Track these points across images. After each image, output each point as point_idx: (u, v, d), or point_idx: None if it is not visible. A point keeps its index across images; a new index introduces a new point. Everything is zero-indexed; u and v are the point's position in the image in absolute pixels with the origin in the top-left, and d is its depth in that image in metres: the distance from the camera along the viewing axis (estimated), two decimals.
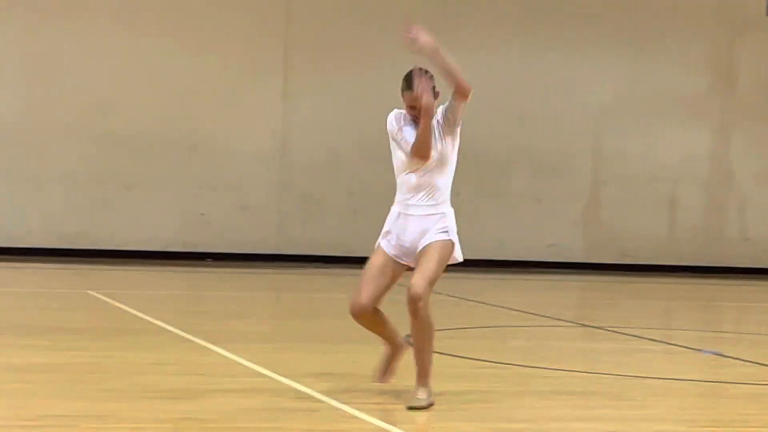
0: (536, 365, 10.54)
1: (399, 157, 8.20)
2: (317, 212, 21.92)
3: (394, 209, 8.27)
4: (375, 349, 10.05)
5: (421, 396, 7.94)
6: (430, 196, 8.24)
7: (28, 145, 21.35)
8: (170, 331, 12.06)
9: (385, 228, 8.32)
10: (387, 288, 8.35)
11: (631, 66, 22.80)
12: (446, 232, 8.20)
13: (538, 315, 15.45)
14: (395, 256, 8.25)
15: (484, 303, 16.76)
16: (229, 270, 20.17)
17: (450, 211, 8.18)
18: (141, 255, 21.39)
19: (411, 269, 8.44)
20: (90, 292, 15.63)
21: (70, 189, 21.40)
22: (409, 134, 8.12)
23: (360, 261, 18.48)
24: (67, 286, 16.90)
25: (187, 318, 13.37)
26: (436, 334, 9.05)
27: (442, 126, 8.15)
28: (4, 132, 21.29)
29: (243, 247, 21.65)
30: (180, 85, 21.50)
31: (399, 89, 8.74)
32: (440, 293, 16.49)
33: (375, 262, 8.27)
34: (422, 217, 8.21)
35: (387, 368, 8.38)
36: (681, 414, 8.71)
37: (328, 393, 8.44)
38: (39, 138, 21.27)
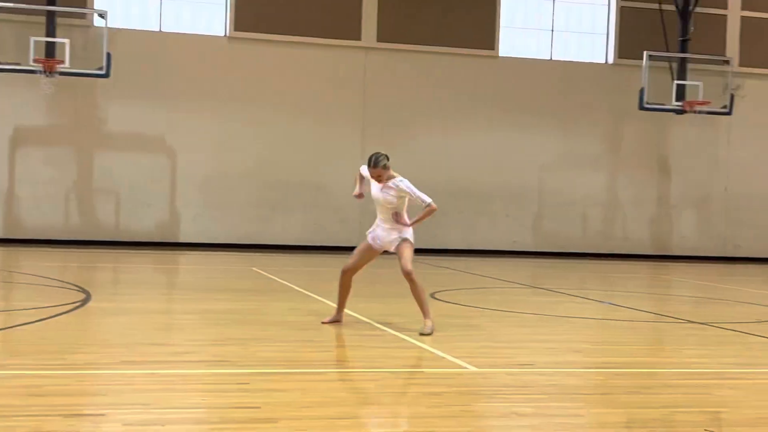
0: (506, 309, 10.61)
1: (372, 193, 8.48)
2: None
3: (376, 221, 8.65)
4: (410, 303, 10.07)
5: (428, 326, 8.34)
6: (391, 220, 8.59)
7: (218, 187, 21.90)
8: (298, 290, 12.02)
9: (370, 230, 8.69)
10: (365, 263, 8.68)
11: (559, 138, 23.55)
12: (407, 236, 8.56)
13: (500, 279, 15.37)
14: (374, 245, 8.64)
15: (477, 274, 16.46)
16: (333, 256, 19.60)
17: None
18: (279, 248, 21.51)
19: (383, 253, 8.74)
20: (253, 268, 15.79)
21: (243, 212, 21.92)
22: (374, 188, 8.45)
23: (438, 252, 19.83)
24: (240, 265, 16.61)
25: (310, 284, 13.13)
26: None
27: (397, 195, 8.33)
28: (203, 179, 21.93)
29: (339, 242, 21.70)
30: (307, 149, 22.06)
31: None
32: (451, 269, 16.39)
33: (362, 247, 8.71)
34: (387, 229, 8.63)
35: (332, 321, 8.73)
36: (590, 335, 8.96)
37: (389, 326, 8.75)
38: (224, 182, 21.95)
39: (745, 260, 23.95)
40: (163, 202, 21.27)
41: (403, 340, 7.99)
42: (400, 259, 8.45)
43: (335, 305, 9.04)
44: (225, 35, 21.70)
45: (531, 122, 23.11)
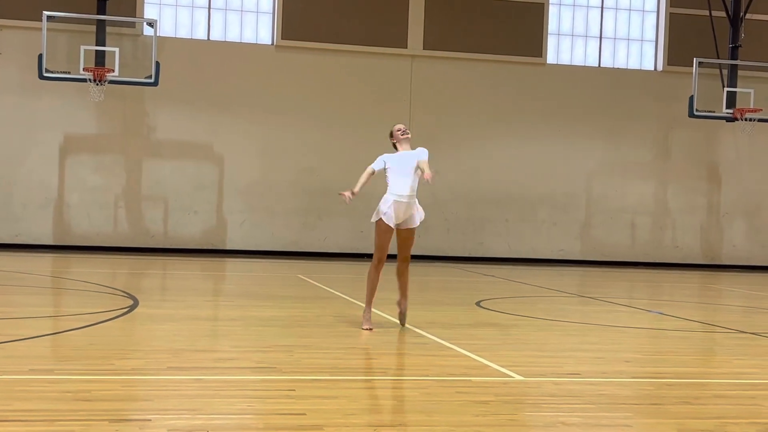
0: (553, 318, 10.60)
1: (395, 173, 8.72)
2: (424, 230, 22.07)
3: (391, 200, 8.69)
4: (460, 309, 10.96)
5: (404, 305, 8.81)
6: (414, 190, 8.84)
7: (264, 194, 22.15)
8: (343, 297, 12.17)
9: (385, 212, 8.69)
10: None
11: (607, 146, 23.56)
12: (422, 217, 8.83)
13: (551, 289, 15.42)
14: (393, 226, 8.79)
15: (522, 282, 16.50)
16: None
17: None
18: (324, 255, 21.81)
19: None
20: (299, 276, 15.93)
21: (288, 219, 22.17)
22: (405, 159, 8.76)
23: (450, 259, 20.78)
24: (284, 272, 16.74)
25: (354, 291, 13.17)
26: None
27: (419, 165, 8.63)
28: (249, 186, 22.15)
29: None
30: (352, 157, 21.83)
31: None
32: (497, 277, 16.38)
33: (384, 235, 8.75)
34: (409, 204, 8.83)
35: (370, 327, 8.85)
36: (640, 346, 8.87)
37: (433, 333, 8.79)
38: (270, 190, 22.19)
39: None
40: (210, 209, 21.48)
41: (449, 348, 8.00)
42: (405, 244, 8.71)
43: (379, 312, 9.12)
44: (272, 44, 21.89)
45: (579, 130, 23.12)
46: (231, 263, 19.21)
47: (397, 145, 8.97)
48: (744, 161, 23.85)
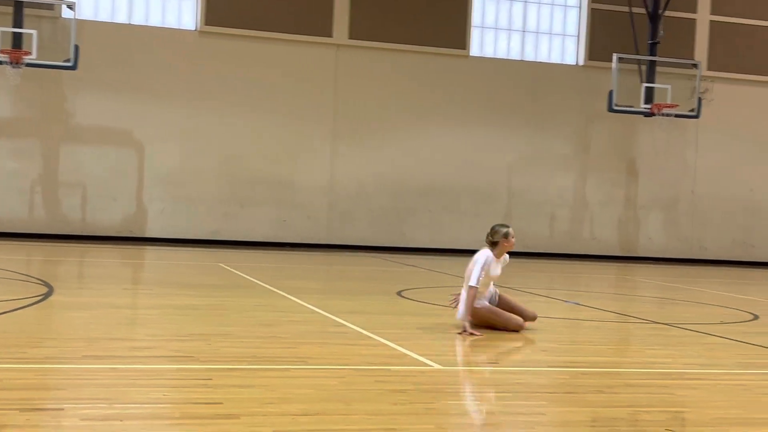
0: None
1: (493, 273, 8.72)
2: (348, 220, 22.52)
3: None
4: (381, 299, 11.07)
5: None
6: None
7: (186, 182, 21.91)
8: (265, 286, 12.05)
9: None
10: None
11: (528, 138, 23.80)
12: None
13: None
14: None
15: (444, 273, 16.57)
16: (298, 253, 20.54)
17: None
18: (246, 244, 21.68)
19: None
20: (220, 264, 15.81)
21: (210, 207, 22.00)
22: (497, 267, 8.72)
23: (373, 249, 20.73)
24: (205, 261, 16.67)
25: (275, 280, 13.19)
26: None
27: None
28: (171, 173, 21.90)
29: (307, 240, 22.19)
30: (277, 146, 22.22)
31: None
32: (418, 267, 16.34)
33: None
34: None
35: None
36: (559, 336, 9.04)
37: (352, 322, 8.77)
38: (192, 177, 21.96)
39: (711, 262, 24.26)
40: (130, 197, 21.16)
41: (369, 337, 8.01)
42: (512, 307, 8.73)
43: (299, 301, 9.19)
44: (195, 29, 21.62)
45: (501, 122, 23.30)
46: (150, 251, 19.01)
47: (503, 249, 8.81)
48: (660, 155, 24.30)
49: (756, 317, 11.40)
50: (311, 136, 22.10)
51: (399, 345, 7.53)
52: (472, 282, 8.49)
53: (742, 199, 24.77)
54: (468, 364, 7.00)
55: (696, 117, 22.49)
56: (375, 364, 6.70)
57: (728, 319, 11.03)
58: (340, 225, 22.35)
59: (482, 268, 8.62)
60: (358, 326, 8.57)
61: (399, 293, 12.11)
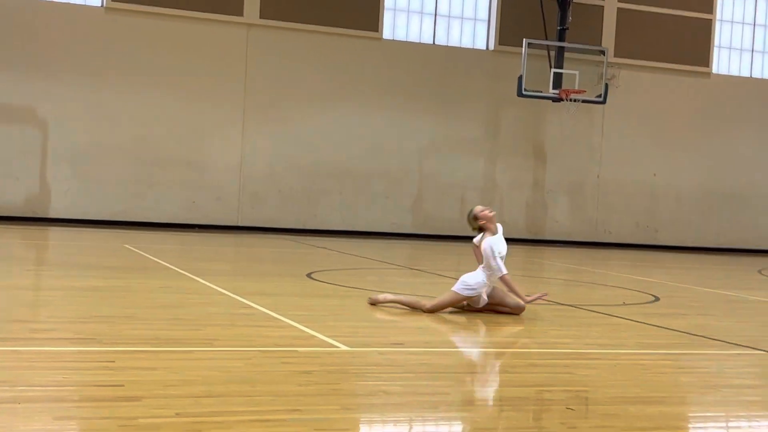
0: (382, 290, 10.28)
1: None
2: (259, 201, 22.40)
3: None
4: (290, 281, 11.16)
5: None
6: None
7: (91, 161, 21.42)
8: (172, 268, 12.03)
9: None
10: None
11: (439, 122, 23.89)
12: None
13: (383, 262, 15.51)
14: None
15: (355, 255, 16.61)
16: (208, 235, 20.33)
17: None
18: (154, 225, 21.44)
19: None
20: (126, 245, 15.61)
21: (117, 187, 21.61)
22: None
23: (285, 231, 20.79)
24: (111, 242, 16.40)
25: (183, 262, 13.25)
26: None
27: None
28: (76, 152, 21.38)
29: (217, 222, 22.04)
30: (186, 126, 21.89)
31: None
32: (330, 249, 16.49)
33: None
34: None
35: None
36: (466, 317, 9.05)
37: (260, 304, 8.76)
38: (98, 157, 21.50)
39: (615, 245, 24.80)
40: (33, 176, 20.70)
41: (276, 318, 8.00)
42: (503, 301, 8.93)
43: (207, 283, 9.21)
44: (102, 5, 21.16)
45: (412, 105, 23.40)
46: (55, 232, 18.72)
47: (489, 225, 8.87)
48: (568, 140, 24.70)
49: (657, 299, 11.69)
50: (221, 116, 21.92)
51: (307, 326, 7.54)
52: (503, 271, 8.66)
53: (645, 183, 25.35)
54: (375, 345, 7.04)
55: (602, 103, 22.89)
56: (282, 346, 6.69)
57: (630, 300, 11.31)
58: (250, 206, 22.25)
59: (495, 255, 8.73)
60: (265, 308, 8.54)
61: (309, 275, 12.14)
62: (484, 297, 8.95)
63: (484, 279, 8.84)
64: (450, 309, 9.13)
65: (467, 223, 9.06)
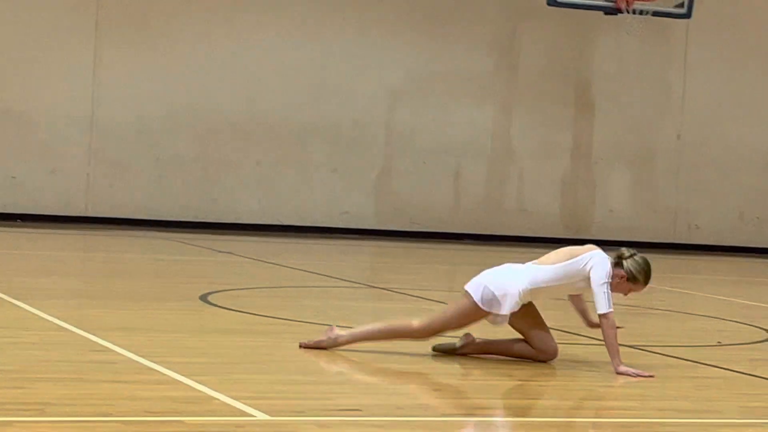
0: (327, 322, 10.27)
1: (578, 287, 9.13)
2: (125, 177, 22.46)
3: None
4: (174, 307, 11.48)
5: None
6: None
7: None
8: None
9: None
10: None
11: (422, 46, 23.97)
12: None
13: (330, 277, 15.86)
14: None
15: (280, 265, 17.05)
16: (37, 231, 20.50)
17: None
18: None
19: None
20: None
21: None
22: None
23: (165, 224, 21.12)
24: None
25: None
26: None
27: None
28: None
29: (52, 209, 22.04)
30: (5, 63, 21.99)
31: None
32: (241, 256, 16.81)
33: None
34: None
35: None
36: (455, 368, 9.06)
37: (127, 347, 8.73)
38: None
39: (706, 249, 25.02)
40: None
41: (151, 370, 8.00)
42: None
43: (36, 312, 9.34)
44: None
45: (377, 21, 23.40)
46: None
47: (619, 285, 9.05)
48: (629, 79, 24.79)
49: None
50: (60, 35, 21.95)
51: (200, 382, 7.52)
52: (603, 309, 8.82)
53: (757, 150, 25.49)
54: (313, 412, 7.02)
55: (687, 17, 22.93)
56: (160, 414, 6.65)
57: (730, 338, 11.44)
58: (107, 184, 22.26)
59: (607, 287, 8.88)
60: (133, 352, 8.52)
61: (204, 298, 12.11)
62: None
63: (527, 287, 8.93)
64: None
65: (622, 257, 9.08)
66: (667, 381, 8.78)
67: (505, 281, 8.86)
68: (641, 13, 22.32)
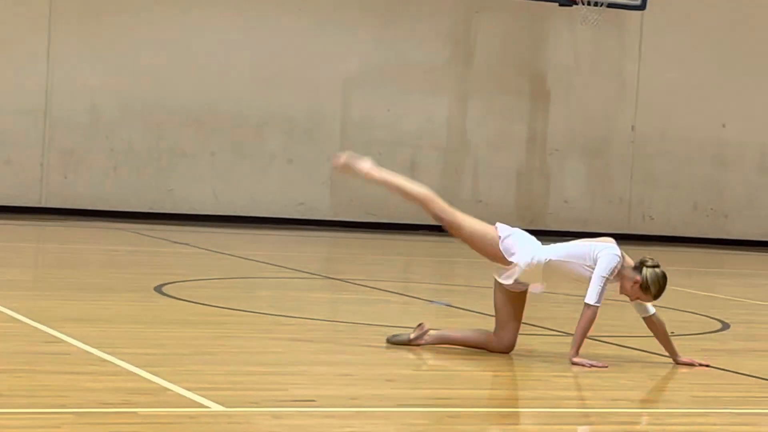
0: (282, 314, 10.82)
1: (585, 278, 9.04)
2: (79, 168, 22.40)
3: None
4: (129, 298, 11.43)
5: None
6: None
7: None
8: None
9: None
10: None
11: (377, 37, 24.09)
12: None
13: (285, 268, 15.95)
14: None
15: (235, 256, 17.13)
16: None
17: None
18: None
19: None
20: None
21: None
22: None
23: (119, 215, 21.05)
24: None
25: None
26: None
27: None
28: None
29: (5, 200, 22.00)
30: None
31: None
32: (196, 247, 16.84)
33: None
34: None
35: None
36: (410, 358, 9.06)
37: (80, 338, 8.72)
38: None
39: (660, 239, 25.12)
40: None
41: (103, 361, 7.97)
42: None
43: None
44: None
45: (332, 13, 23.42)
46: None
47: (627, 287, 9.10)
48: (584, 70, 24.96)
49: (725, 326, 11.95)
50: (13, 21, 21.89)
51: (154, 373, 7.52)
52: (592, 300, 8.89)
53: (709, 141, 25.68)
54: (268, 403, 7.02)
55: (641, 8, 23.01)
56: (112, 405, 6.62)
57: (683, 328, 11.49)
58: (61, 175, 22.26)
59: (605, 281, 8.92)
60: (87, 344, 8.50)
61: (158, 289, 12.15)
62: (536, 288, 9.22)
63: (544, 256, 8.99)
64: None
65: (643, 264, 9.10)
66: (621, 371, 8.84)
67: (528, 241, 9.01)
68: (596, 4, 22.40)
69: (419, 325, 9.26)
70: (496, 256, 8.99)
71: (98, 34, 22.30)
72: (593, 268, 8.91)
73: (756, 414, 7.59)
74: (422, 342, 9.17)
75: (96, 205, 22.30)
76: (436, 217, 9.28)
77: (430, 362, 8.95)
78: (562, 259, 9.02)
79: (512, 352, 9.13)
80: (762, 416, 7.55)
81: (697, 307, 13.60)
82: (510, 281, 8.97)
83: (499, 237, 8.94)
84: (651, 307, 9.11)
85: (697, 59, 25.23)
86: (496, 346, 9.11)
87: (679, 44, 25.08)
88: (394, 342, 9.24)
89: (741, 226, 26.09)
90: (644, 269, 8.95)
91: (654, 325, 9.17)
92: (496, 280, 9.04)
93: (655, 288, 8.94)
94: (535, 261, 8.94)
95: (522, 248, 8.95)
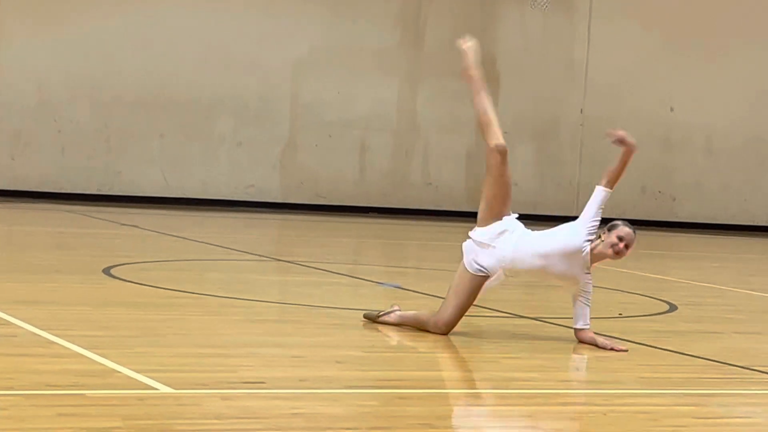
0: (231, 296, 10.91)
1: None
2: (26, 149, 22.36)
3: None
4: (77, 280, 11.46)
5: None
6: None
7: None
8: None
9: None
10: None
11: (327, 20, 24.13)
12: None
13: (235, 250, 16.06)
14: None
15: (184, 238, 17.18)
16: None
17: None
18: None
19: None
20: None
21: None
22: None
23: (67, 197, 20.90)
24: None
25: None
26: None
27: None
28: None
29: None
30: None
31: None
32: (145, 229, 16.81)
33: None
34: None
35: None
36: (359, 340, 9.19)
37: (28, 320, 8.72)
38: None
39: (609, 222, 25.16)
40: None
41: (51, 343, 7.95)
42: None
43: None
44: None
45: None
46: None
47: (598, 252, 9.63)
48: (533, 53, 25.03)
49: (672, 308, 12.03)
50: None
51: (102, 355, 7.51)
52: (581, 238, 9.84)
53: (658, 123, 25.79)
54: (217, 384, 7.04)
55: None
56: (60, 387, 6.61)
57: (630, 310, 11.63)
58: (8, 156, 22.23)
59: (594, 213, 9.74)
60: (35, 326, 8.50)
61: (107, 271, 12.11)
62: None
63: (510, 254, 9.06)
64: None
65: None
66: (568, 352, 8.93)
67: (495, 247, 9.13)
68: None
69: (392, 305, 9.40)
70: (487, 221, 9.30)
71: (47, 14, 22.21)
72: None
73: (701, 395, 7.68)
74: (387, 320, 9.24)
75: (44, 186, 22.27)
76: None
77: (380, 344, 9.02)
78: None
79: (461, 333, 9.12)
80: (707, 397, 7.64)
81: (645, 289, 13.73)
82: (495, 284, 9.08)
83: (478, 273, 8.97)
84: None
85: (645, 43, 25.37)
86: (432, 327, 9.08)
87: (627, 28, 25.22)
88: (367, 317, 9.38)
89: (689, 209, 26.30)
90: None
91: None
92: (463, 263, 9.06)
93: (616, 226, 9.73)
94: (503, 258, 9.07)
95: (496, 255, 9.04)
